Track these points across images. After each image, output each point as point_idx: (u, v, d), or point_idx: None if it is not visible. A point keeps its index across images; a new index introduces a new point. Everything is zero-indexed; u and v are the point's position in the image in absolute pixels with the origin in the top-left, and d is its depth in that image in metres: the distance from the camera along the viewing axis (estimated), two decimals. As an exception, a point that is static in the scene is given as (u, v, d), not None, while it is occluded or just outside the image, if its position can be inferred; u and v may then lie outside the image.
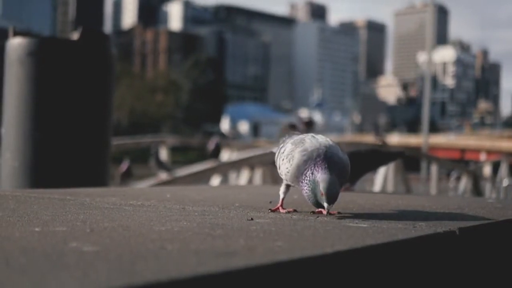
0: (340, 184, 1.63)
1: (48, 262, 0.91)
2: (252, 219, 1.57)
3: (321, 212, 1.73)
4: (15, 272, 0.83)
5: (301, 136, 1.76)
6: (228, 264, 0.95)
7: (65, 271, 0.85)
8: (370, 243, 1.21)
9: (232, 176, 12.53)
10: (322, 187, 1.59)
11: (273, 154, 1.97)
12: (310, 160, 1.64)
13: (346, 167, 1.67)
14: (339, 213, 1.73)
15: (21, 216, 1.49)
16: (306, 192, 1.64)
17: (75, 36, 3.89)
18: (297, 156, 1.67)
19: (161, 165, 10.88)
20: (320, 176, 1.60)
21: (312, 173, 1.62)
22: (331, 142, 1.70)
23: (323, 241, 1.22)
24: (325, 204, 1.60)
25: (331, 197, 1.59)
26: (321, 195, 1.59)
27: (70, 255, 0.98)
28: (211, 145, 12.00)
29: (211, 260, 0.97)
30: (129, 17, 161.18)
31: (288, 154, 1.71)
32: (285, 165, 1.71)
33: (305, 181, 1.63)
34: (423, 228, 1.46)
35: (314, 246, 1.16)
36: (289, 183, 1.75)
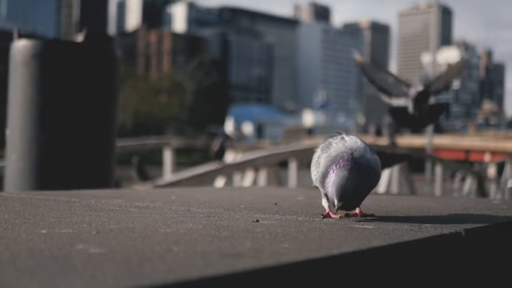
0: (360, 183, 1.60)
1: (56, 264, 0.91)
2: (257, 220, 1.57)
3: (328, 215, 1.72)
4: (23, 274, 0.84)
5: (331, 140, 1.74)
6: (235, 265, 0.95)
7: (73, 273, 0.85)
8: (376, 245, 1.21)
9: (237, 177, 12.54)
10: (335, 183, 1.58)
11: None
12: (333, 163, 1.63)
13: (373, 169, 1.64)
14: (346, 215, 1.72)
15: (27, 218, 1.50)
16: (332, 193, 1.61)
17: (79, 38, 3.90)
18: (322, 162, 1.66)
19: (142, 177, 10.81)
20: (335, 176, 1.59)
21: (332, 174, 1.61)
22: (359, 144, 1.67)
23: (329, 242, 1.22)
24: (336, 201, 1.58)
25: (341, 195, 1.57)
26: (334, 192, 1.58)
27: (77, 257, 0.98)
28: (215, 145, 11.99)
29: (218, 262, 0.97)
30: (133, 18, 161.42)
31: (316, 160, 1.70)
32: (314, 172, 1.71)
33: (328, 184, 1.62)
34: (429, 230, 1.45)
35: (320, 247, 1.16)
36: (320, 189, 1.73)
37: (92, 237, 1.20)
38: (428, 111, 3.17)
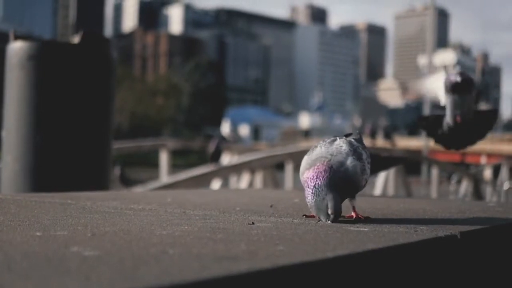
0: (342, 196, 1.63)
1: (50, 267, 0.91)
2: (253, 223, 1.57)
3: (313, 216, 1.72)
4: (18, 276, 0.83)
5: (320, 143, 1.75)
6: (230, 268, 0.95)
7: (68, 275, 0.85)
8: (371, 247, 1.21)
9: (233, 179, 12.53)
10: (330, 205, 1.59)
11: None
12: (311, 167, 1.64)
13: (350, 177, 1.65)
14: (342, 217, 1.72)
15: (22, 221, 1.49)
16: (309, 201, 1.62)
17: (75, 39, 3.89)
18: (302, 164, 1.70)
19: (126, 182, 10.80)
20: (329, 195, 1.59)
21: (316, 183, 1.61)
22: (343, 149, 1.67)
23: (324, 245, 1.22)
24: (329, 222, 1.60)
25: (337, 216, 1.60)
26: (328, 212, 1.60)
27: (72, 259, 0.98)
28: (211, 147, 11.97)
29: (213, 265, 0.97)
30: (130, 20, 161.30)
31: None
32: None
33: (309, 188, 1.62)
34: (424, 232, 1.46)
35: (316, 250, 1.16)
36: None
37: (87, 240, 1.20)
38: (474, 118, 2.11)
